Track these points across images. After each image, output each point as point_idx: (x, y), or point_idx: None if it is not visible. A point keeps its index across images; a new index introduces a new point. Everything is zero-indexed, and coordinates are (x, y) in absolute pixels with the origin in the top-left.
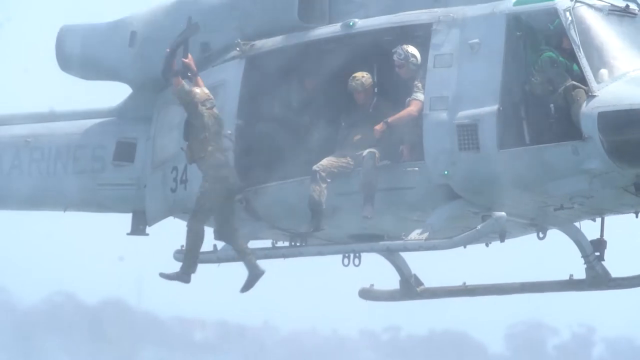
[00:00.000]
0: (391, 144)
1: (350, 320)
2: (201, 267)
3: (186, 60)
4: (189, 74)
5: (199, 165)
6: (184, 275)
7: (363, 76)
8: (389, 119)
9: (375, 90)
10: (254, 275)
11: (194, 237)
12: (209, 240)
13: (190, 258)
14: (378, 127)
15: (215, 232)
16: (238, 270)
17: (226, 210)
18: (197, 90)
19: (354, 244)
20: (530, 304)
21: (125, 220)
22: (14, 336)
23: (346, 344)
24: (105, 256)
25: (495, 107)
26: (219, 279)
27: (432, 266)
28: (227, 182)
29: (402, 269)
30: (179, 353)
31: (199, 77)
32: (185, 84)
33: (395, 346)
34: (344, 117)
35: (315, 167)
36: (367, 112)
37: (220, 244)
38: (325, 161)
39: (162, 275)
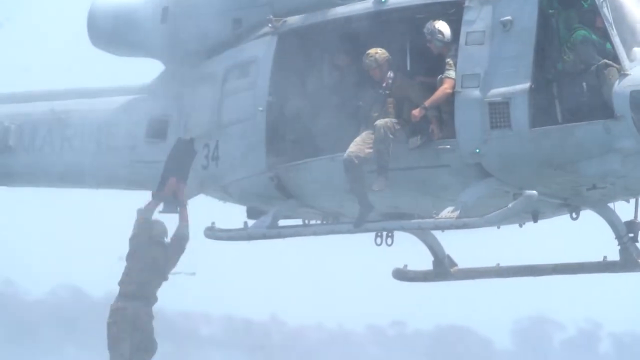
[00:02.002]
0: (426, 123)
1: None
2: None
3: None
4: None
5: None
6: None
7: (377, 52)
8: (426, 103)
9: (406, 64)
10: None
11: None
12: (240, 217)
13: None
14: (416, 112)
15: (247, 210)
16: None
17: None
18: (158, 225)
19: (384, 222)
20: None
21: None
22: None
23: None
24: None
25: (527, 85)
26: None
27: (466, 247)
28: (123, 314)
29: (435, 249)
30: (186, 349)
31: (185, 209)
32: (150, 215)
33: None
34: (362, 95)
35: (345, 156)
36: (383, 88)
37: (251, 222)
38: (353, 146)
39: None
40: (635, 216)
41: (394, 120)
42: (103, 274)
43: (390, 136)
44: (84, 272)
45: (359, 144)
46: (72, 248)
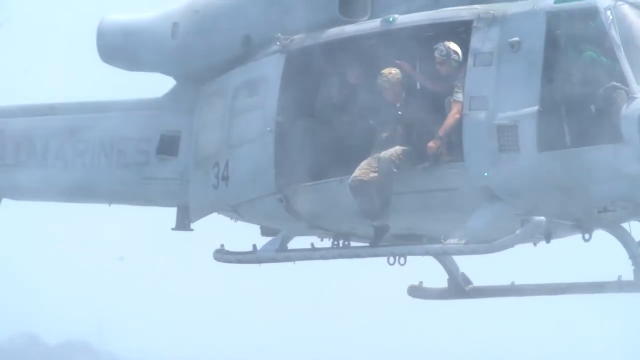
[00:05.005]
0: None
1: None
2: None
3: None
4: None
5: None
6: None
7: (390, 72)
8: (441, 132)
9: (413, 86)
10: None
11: None
12: (249, 239)
13: None
14: (432, 144)
15: (261, 229)
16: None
17: None
18: None
19: (393, 246)
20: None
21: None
22: None
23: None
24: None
25: (535, 108)
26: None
27: (481, 264)
28: None
29: (449, 267)
30: None
31: None
32: None
33: None
34: (374, 115)
35: (350, 181)
36: (396, 109)
37: (261, 243)
38: (357, 171)
39: None
40: None
41: (399, 150)
42: (60, 320)
43: (395, 170)
44: (42, 318)
45: (364, 168)
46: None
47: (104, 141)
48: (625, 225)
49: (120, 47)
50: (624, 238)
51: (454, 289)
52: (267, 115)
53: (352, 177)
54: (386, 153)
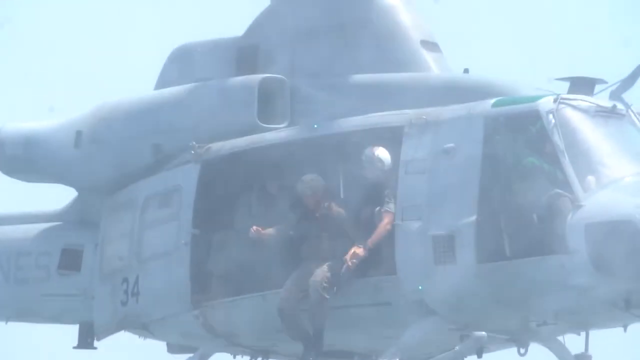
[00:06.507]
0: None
1: None
2: None
3: None
4: None
5: None
6: None
7: (312, 179)
8: (370, 243)
9: (339, 193)
10: None
11: None
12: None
13: None
14: (360, 251)
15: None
16: None
17: None
18: None
19: None
20: None
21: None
22: None
23: None
24: None
25: (473, 218)
26: None
27: None
28: None
29: None
30: None
31: None
32: None
33: None
34: (295, 224)
35: (278, 305)
36: (318, 218)
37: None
38: (284, 292)
39: None
40: (586, 349)
41: (326, 271)
42: None
43: (327, 296)
44: None
45: (290, 289)
46: None
47: (1, 256)
48: (560, 338)
49: (20, 158)
50: (560, 352)
51: None
52: (181, 228)
53: (280, 299)
54: (316, 277)
